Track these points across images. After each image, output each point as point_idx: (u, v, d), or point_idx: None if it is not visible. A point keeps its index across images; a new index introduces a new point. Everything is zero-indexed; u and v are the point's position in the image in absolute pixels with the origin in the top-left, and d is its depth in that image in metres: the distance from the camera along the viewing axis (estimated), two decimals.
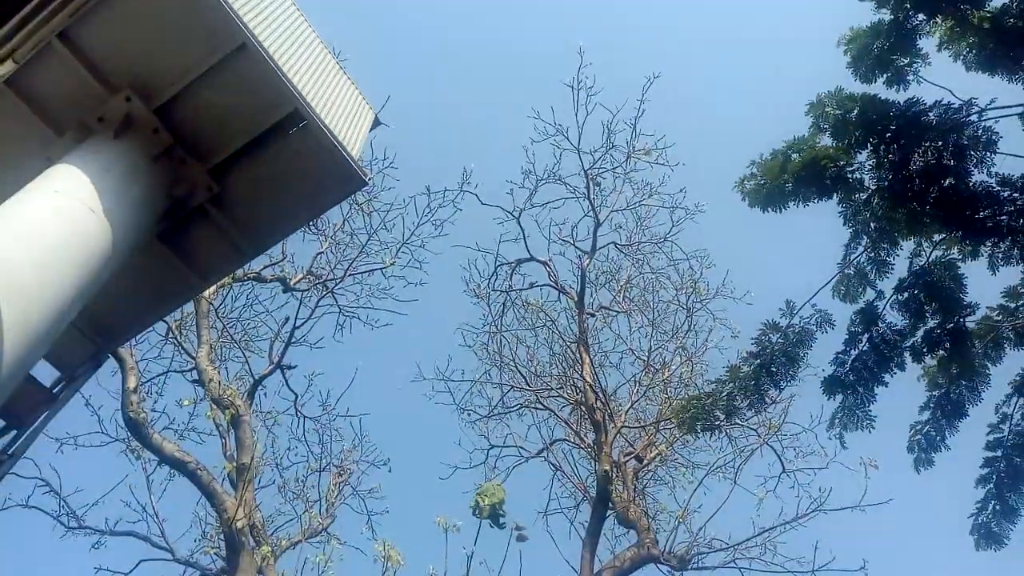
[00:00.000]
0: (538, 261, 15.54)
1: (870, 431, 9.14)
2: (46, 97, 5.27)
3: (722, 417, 9.68)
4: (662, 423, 14.82)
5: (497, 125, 24.73)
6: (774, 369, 9.43)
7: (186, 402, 12.94)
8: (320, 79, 5.85)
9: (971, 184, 8.84)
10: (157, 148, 5.27)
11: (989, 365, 9.37)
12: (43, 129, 5.30)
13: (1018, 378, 9.26)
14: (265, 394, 13.92)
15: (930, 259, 9.23)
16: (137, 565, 12.41)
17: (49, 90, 5.25)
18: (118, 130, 5.14)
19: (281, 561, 12.19)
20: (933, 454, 9.26)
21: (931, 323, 9.15)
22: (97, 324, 6.24)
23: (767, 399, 9.97)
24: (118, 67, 5.23)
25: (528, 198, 15.20)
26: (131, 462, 13.15)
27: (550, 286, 15.83)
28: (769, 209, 9.54)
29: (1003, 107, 8.84)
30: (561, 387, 15.85)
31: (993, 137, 8.71)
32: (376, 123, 6.96)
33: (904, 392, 9.59)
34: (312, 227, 14.04)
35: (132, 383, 11.57)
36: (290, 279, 13.93)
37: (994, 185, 8.80)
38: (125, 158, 5.08)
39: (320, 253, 14.31)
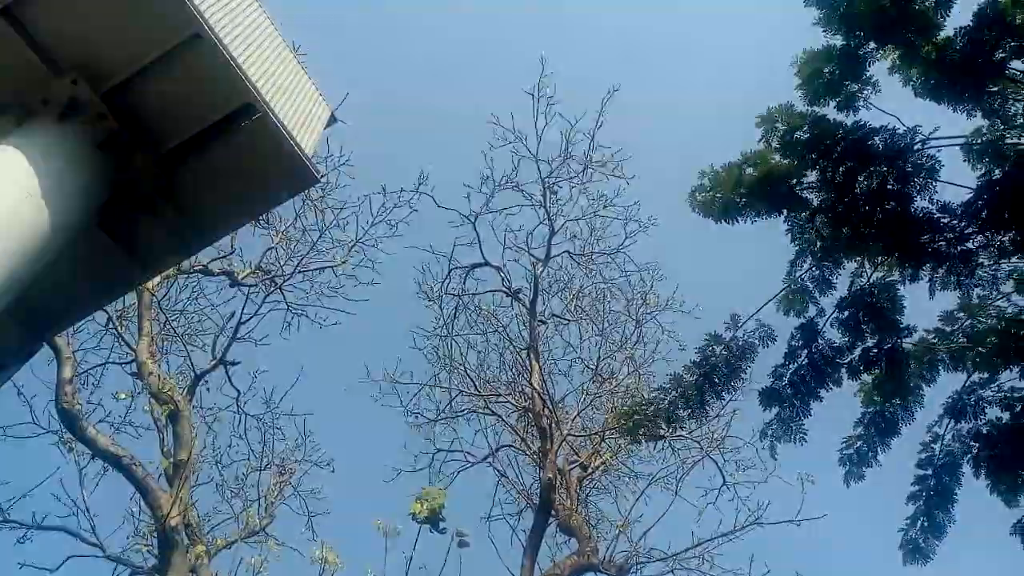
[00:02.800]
0: (492, 266, 15.55)
1: (802, 444, 9.35)
2: None
3: (664, 426, 9.80)
4: (608, 432, 14.93)
5: (455, 129, 24.67)
6: (716, 380, 9.59)
7: (123, 395, 12.61)
8: (276, 73, 5.76)
9: (913, 209, 9.11)
10: (102, 134, 5.12)
11: (924, 386, 9.66)
12: None
13: (950, 400, 9.56)
14: (207, 390, 13.65)
15: (870, 280, 9.49)
16: (65, 561, 12.05)
17: None
18: (62, 113, 4.98)
19: (216, 560, 11.95)
20: (863, 469, 9.51)
21: (869, 342, 9.40)
22: (32, 311, 6.03)
23: (708, 410, 10.12)
24: (65, 49, 5.07)
25: (485, 203, 15.22)
26: (63, 455, 12.74)
27: (503, 292, 15.85)
28: (721, 221, 9.71)
29: (946, 137, 9.15)
30: (510, 393, 15.87)
31: (936, 165, 9.00)
32: (332, 120, 6.88)
33: (844, 411, 9.84)
34: (263, 222, 13.80)
35: (68, 373, 11.22)
36: (238, 273, 13.66)
37: (935, 212, 9.09)
38: (68, 143, 4.93)
39: (270, 248, 14.07)
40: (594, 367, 15.95)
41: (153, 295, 12.96)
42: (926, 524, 9.27)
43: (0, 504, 12.27)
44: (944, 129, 9.03)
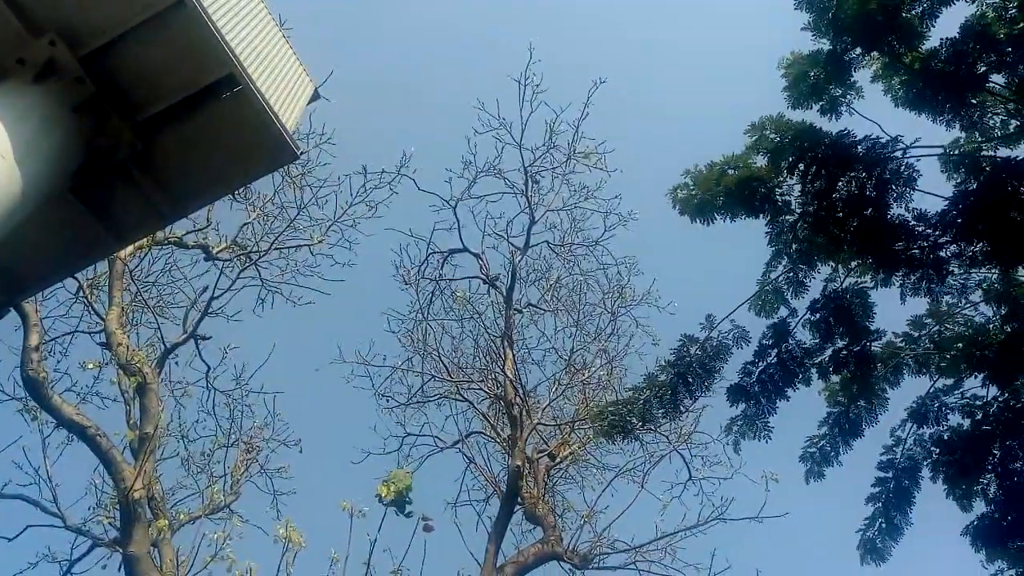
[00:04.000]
0: (471, 253, 15.52)
1: (767, 441, 9.50)
2: None
3: (637, 424, 9.90)
4: (578, 423, 15.01)
5: (439, 113, 24.52)
6: (690, 380, 9.69)
7: (91, 365, 12.44)
8: (260, 45, 5.67)
9: (890, 217, 9.25)
10: (79, 98, 5.01)
11: (888, 388, 9.84)
12: None
13: (914, 405, 9.75)
14: (176, 363, 13.48)
15: (843, 284, 9.62)
16: (24, 530, 11.87)
17: None
18: (38, 75, 4.87)
19: (179, 535, 11.86)
20: (825, 468, 9.68)
21: (839, 344, 9.54)
22: (0, 275, 5.93)
23: (682, 408, 10.22)
24: (44, 8, 4.95)
25: (466, 189, 15.16)
26: (26, 423, 12.55)
27: (480, 279, 15.83)
28: (698, 220, 9.79)
29: (925, 146, 9.30)
30: (482, 380, 15.88)
31: (914, 174, 9.13)
32: (315, 96, 6.79)
33: (810, 413, 9.99)
34: (240, 196, 13.64)
35: (34, 340, 11.02)
36: (213, 247, 13.50)
37: (911, 220, 9.23)
38: (43, 105, 4.81)
39: (247, 224, 13.91)
40: (567, 358, 16.02)
41: (125, 265, 12.77)
42: (884, 525, 9.47)
43: None
44: (923, 138, 9.17)
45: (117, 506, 10.90)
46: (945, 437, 9.54)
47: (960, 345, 9.50)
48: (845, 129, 9.30)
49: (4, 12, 4.86)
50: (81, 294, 12.83)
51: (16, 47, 4.91)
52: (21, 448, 12.08)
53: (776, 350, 9.50)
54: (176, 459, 13.64)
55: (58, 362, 12.96)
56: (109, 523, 12.06)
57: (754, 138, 9.57)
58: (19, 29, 4.90)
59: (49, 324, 12.56)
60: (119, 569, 10.36)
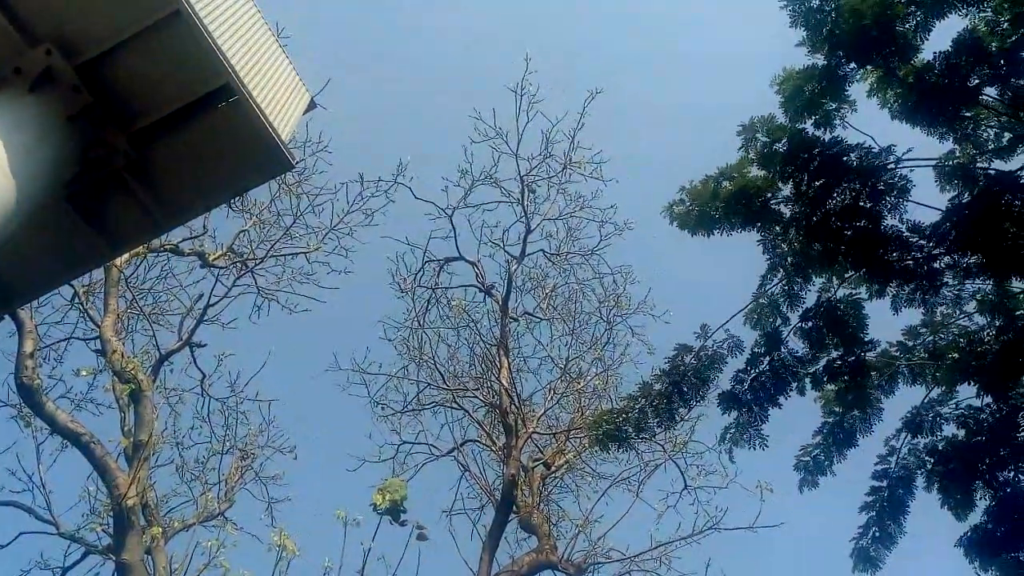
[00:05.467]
0: (467, 261, 15.56)
1: (761, 449, 9.51)
2: None
3: (632, 433, 9.90)
4: (573, 432, 15.01)
5: (436, 121, 24.61)
6: (685, 389, 9.71)
7: (85, 372, 12.42)
8: (256, 55, 5.69)
9: (883, 228, 9.28)
10: (75, 107, 5.01)
11: (883, 398, 9.86)
12: None
13: (909, 416, 9.76)
14: (171, 371, 13.51)
15: (836, 295, 9.65)
16: (17, 537, 11.83)
17: None
18: (34, 84, 4.88)
19: (172, 543, 11.83)
20: (819, 477, 9.69)
21: (833, 353, 9.57)
22: None
23: (676, 417, 10.23)
24: (41, 18, 4.96)
25: (462, 197, 15.21)
26: (20, 429, 12.53)
27: (476, 287, 15.85)
28: (697, 233, 9.82)
29: (919, 158, 9.34)
30: (478, 388, 15.89)
31: (908, 185, 9.17)
32: (312, 106, 6.81)
33: (806, 423, 10.00)
34: (237, 205, 13.67)
35: (29, 347, 11.01)
36: (209, 255, 13.51)
37: (904, 231, 9.27)
38: (39, 114, 4.82)
39: (243, 231, 13.94)
40: (563, 366, 16.04)
41: (121, 272, 12.78)
42: (878, 534, 9.48)
43: None
44: (917, 151, 9.22)
45: (111, 513, 10.87)
46: (940, 447, 9.55)
47: (955, 355, 9.52)
48: (838, 137, 9.35)
49: (1, 21, 4.88)
50: (76, 301, 12.82)
51: (12, 56, 4.92)
52: (15, 455, 12.07)
53: (768, 358, 9.53)
54: (170, 466, 13.65)
55: (53, 369, 12.98)
56: (102, 530, 12.02)
57: (746, 139, 9.61)
58: (16, 38, 4.91)
59: (44, 331, 12.57)
60: None
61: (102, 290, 12.66)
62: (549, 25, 26.41)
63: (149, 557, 10.72)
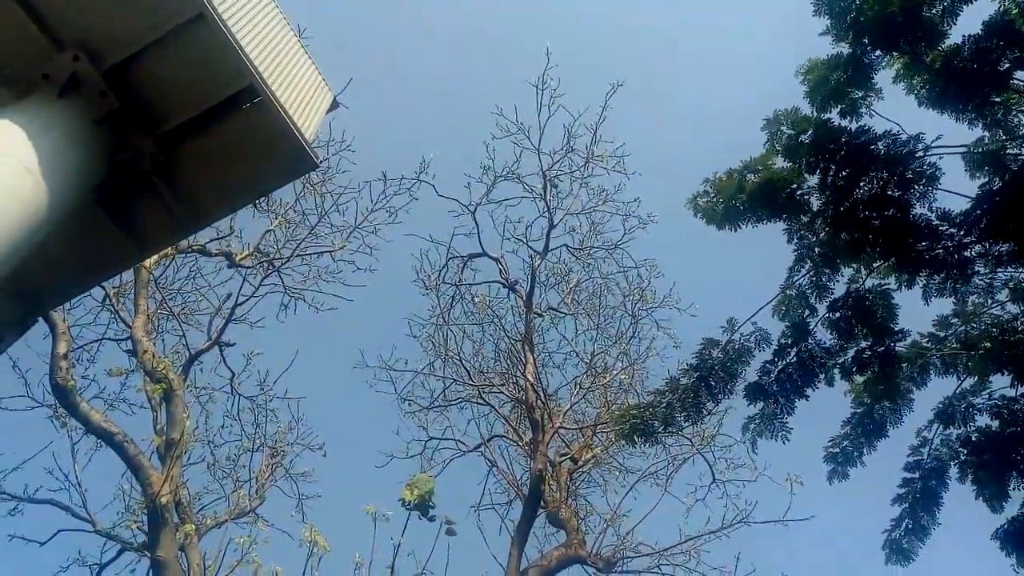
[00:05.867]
0: (490, 257, 15.57)
1: (785, 441, 9.41)
2: None
3: (659, 427, 9.84)
4: (599, 426, 14.98)
5: (459, 118, 24.64)
6: (713, 383, 9.63)
7: (117, 372, 12.62)
8: (279, 56, 5.74)
9: (912, 216, 9.14)
10: (102, 111, 5.10)
11: (914, 389, 9.72)
12: None
13: (941, 406, 9.62)
14: (201, 370, 13.68)
15: (865, 285, 9.52)
16: (55, 535, 12.10)
17: None
18: (63, 90, 4.96)
19: (205, 540, 12.00)
20: (848, 468, 9.58)
21: (862, 344, 9.45)
22: (27, 287, 6.03)
23: (704, 411, 10.16)
24: (68, 24, 5.04)
25: (485, 193, 15.23)
26: (56, 429, 12.78)
27: (500, 283, 15.87)
28: (723, 227, 9.73)
29: (948, 145, 9.17)
30: (503, 384, 15.92)
31: (936, 173, 9.02)
32: (334, 105, 6.85)
33: (835, 415, 9.89)
34: (262, 205, 13.81)
35: (63, 348, 11.21)
36: (236, 255, 13.66)
37: (934, 219, 9.11)
38: (67, 119, 4.91)
39: (269, 231, 14.08)
40: (588, 361, 16.01)
41: (150, 273, 12.96)
42: (911, 526, 9.35)
43: None
44: (946, 138, 9.06)
45: (145, 511, 11.05)
46: (973, 438, 9.40)
47: (987, 344, 9.35)
48: (864, 126, 9.21)
49: (29, 28, 4.96)
50: (107, 302, 13.03)
51: (41, 62, 5.01)
52: (51, 454, 12.31)
53: (796, 349, 9.42)
54: (202, 464, 13.85)
55: (86, 369, 13.22)
56: (137, 528, 12.24)
57: (771, 133, 9.50)
58: (44, 44, 5.00)
59: (77, 332, 12.80)
60: (147, 573, 10.51)
61: (132, 291, 12.86)
62: (570, 21, 26.29)
63: (183, 554, 10.88)
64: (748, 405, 9.47)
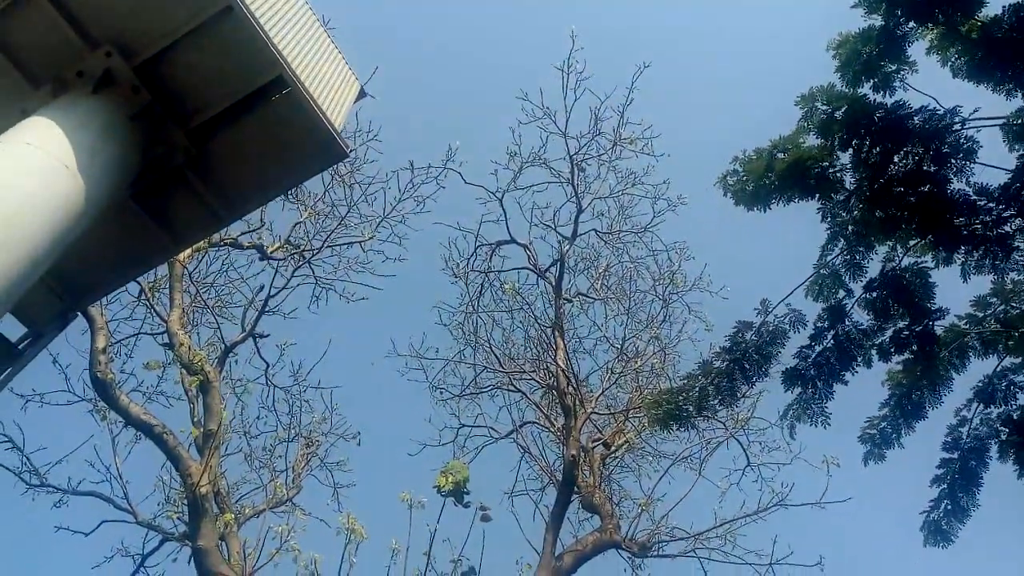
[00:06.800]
0: (518, 244, 15.53)
1: (825, 426, 9.28)
2: (23, 48, 5.16)
3: (693, 412, 9.77)
4: (632, 411, 14.94)
5: (484, 104, 24.61)
6: (747, 366, 9.53)
7: (154, 365, 12.82)
8: (306, 46, 5.77)
9: (949, 192, 8.94)
10: (135, 107, 5.18)
11: (953, 372, 9.54)
12: (19, 80, 5.19)
13: (981, 385, 9.44)
14: (236, 362, 13.83)
15: (901, 263, 9.34)
16: (98, 526, 12.35)
17: (26, 41, 5.14)
18: (96, 86, 5.05)
19: (244, 529, 12.19)
20: (885, 450, 9.43)
21: (900, 324, 9.28)
22: (67, 282, 6.16)
23: (738, 395, 10.07)
24: (99, 22, 5.13)
25: (512, 180, 15.17)
26: (97, 423, 13.04)
27: (529, 269, 15.84)
28: (753, 207, 9.60)
29: (986, 117, 8.94)
30: (534, 370, 15.91)
31: (974, 146, 8.80)
32: (362, 94, 6.88)
33: (871, 398, 9.75)
34: (292, 196, 13.91)
35: (101, 343, 11.43)
36: (267, 247, 13.80)
37: (971, 194, 8.91)
38: (102, 115, 4.99)
39: (299, 223, 14.19)
40: (619, 346, 15.93)
41: (184, 267, 13.15)
42: (949, 507, 9.20)
43: (37, 469, 12.61)
44: (984, 110, 8.83)
45: (185, 501, 11.25)
46: (1015, 416, 9.22)
47: None
48: (900, 100, 9.01)
49: (63, 26, 5.05)
50: (143, 297, 13.23)
51: (75, 60, 5.10)
52: (93, 447, 12.56)
53: (832, 332, 9.28)
54: (239, 455, 14.03)
55: (124, 363, 13.44)
56: (177, 518, 12.46)
57: (805, 109, 9.33)
58: (77, 43, 5.08)
59: (114, 327, 13.00)
60: (189, 562, 10.70)
61: (167, 286, 13.05)
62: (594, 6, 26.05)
63: (223, 543, 11.06)
64: (786, 391, 9.36)
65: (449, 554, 9.46)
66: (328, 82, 5.95)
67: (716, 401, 9.67)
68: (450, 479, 7.99)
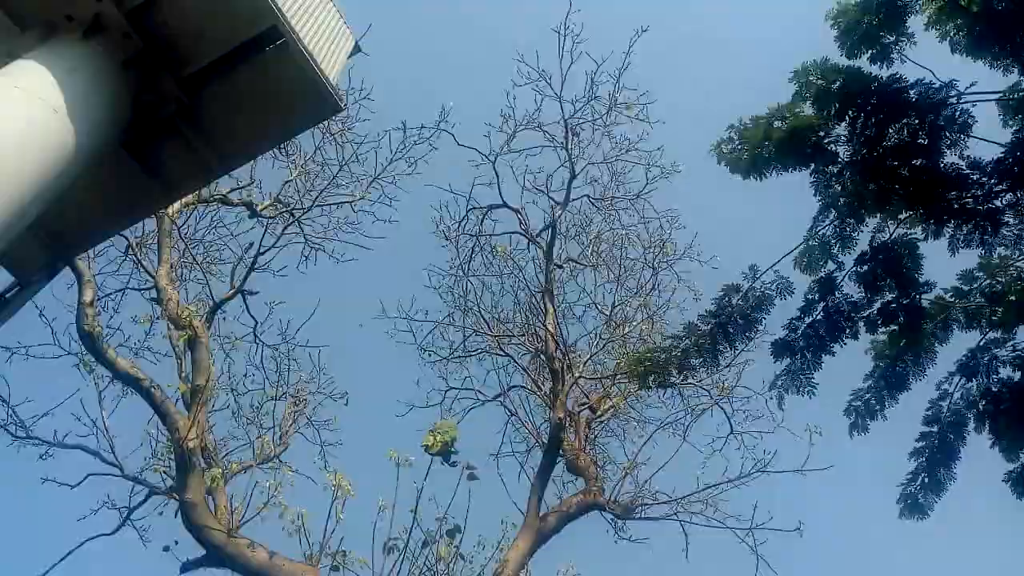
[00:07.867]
0: (510, 208, 15.45)
1: (811, 396, 9.40)
2: None
3: (675, 373, 9.86)
4: (618, 377, 15.04)
5: (479, 65, 24.30)
6: (731, 330, 9.60)
7: (143, 320, 12.79)
8: None
9: (942, 165, 8.96)
10: (127, 53, 5.10)
11: (937, 344, 9.65)
12: (4, 21, 5.08)
13: (964, 358, 9.56)
14: (224, 318, 13.79)
15: (892, 236, 9.40)
16: (85, 479, 12.39)
17: None
18: (87, 31, 4.96)
19: (231, 484, 12.24)
20: (869, 421, 9.57)
21: (888, 297, 9.36)
22: (56, 231, 6.11)
23: (721, 359, 10.15)
24: None
25: (505, 143, 15.05)
26: (83, 376, 12.99)
27: (520, 234, 15.80)
28: (749, 176, 9.59)
29: (982, 92, 8.94)
30: (523, 335, 15.94)
31: (969, 120, 8.81)
32: (356, 50, 6.80)
33: (855, 368, 9.85)
34: (283, 154, 13.78)
35: (88, 296, 11.37)
36: (257, 205, 13.69)
37: (964, 168, 8.93)
38: (92, 61, 4.91)
39: (289, 181, 14.07)
40: (608, 312, 15.99)
41: (173, 223, 13.04)
42: (927, 480, 9.37)
43: (23, 421, 12.60)
44: (980, 85, 8.82)
45: (172, 455, 11.27)
46: (993, 388, 9.35)
47: (1013, 296, 9.24)
48: (896, 73, 8.99)
49: None
50: (130, 252, 13.13)
51: (65, 4, 5.00)
52: (79, 401, 12.52)
53: (822, 304, 9.36)
54: (226, 411, 14.03)
55: (110, 319, 13.35)
56: (164, 472, 12.50)
57: (799, 83, 9.30)
58: None
59: (101, 281, 12.91)
60: (175, 516, 10.76)
61: (154, 242, 12.95)
62: None
63: (210, 497, 11.11)
64: (775, 362, 9.45)
65: (435, 513, 9.58)
66: (323, 35, 5.86)
67: (698, 362, 9.76)
68: (438, 438, 8.05)
